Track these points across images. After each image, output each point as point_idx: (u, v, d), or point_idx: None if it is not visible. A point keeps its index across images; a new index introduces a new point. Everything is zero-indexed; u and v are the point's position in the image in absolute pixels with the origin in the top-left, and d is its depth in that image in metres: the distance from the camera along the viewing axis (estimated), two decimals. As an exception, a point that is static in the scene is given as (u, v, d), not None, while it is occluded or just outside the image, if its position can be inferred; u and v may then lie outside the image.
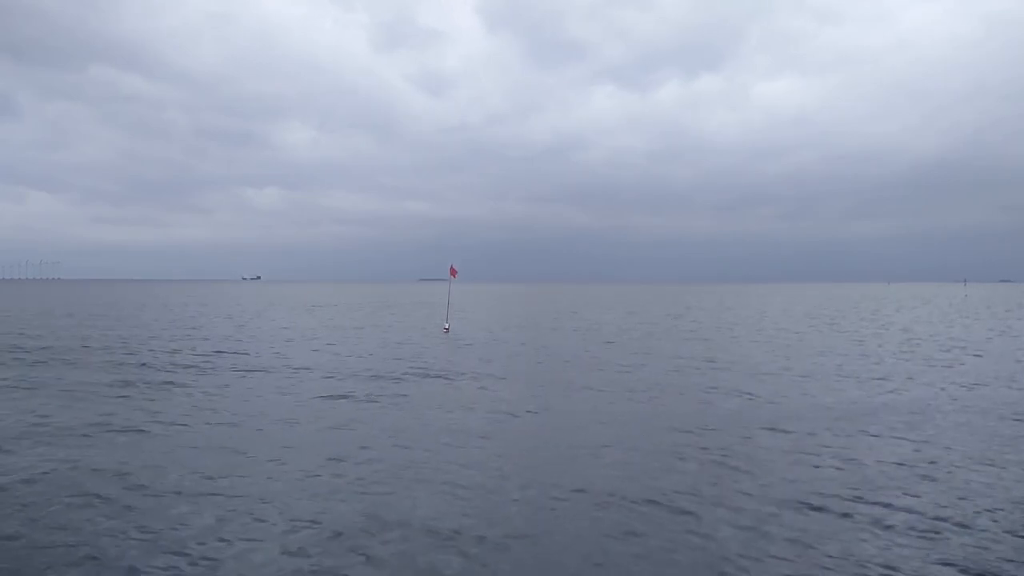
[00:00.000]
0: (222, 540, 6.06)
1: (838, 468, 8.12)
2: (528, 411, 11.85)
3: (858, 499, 7.02)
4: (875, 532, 6.20)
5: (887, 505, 6.87)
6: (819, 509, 6.76)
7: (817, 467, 8.16)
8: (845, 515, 6.61)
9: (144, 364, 17.39)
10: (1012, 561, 5.64)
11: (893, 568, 5.54)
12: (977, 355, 19.79)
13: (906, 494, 7.18)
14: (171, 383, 14.41)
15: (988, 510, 6.73)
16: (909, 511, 6.70)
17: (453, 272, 29.04)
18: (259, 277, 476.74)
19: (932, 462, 8.34)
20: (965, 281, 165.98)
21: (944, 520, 6.46)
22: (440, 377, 15.77)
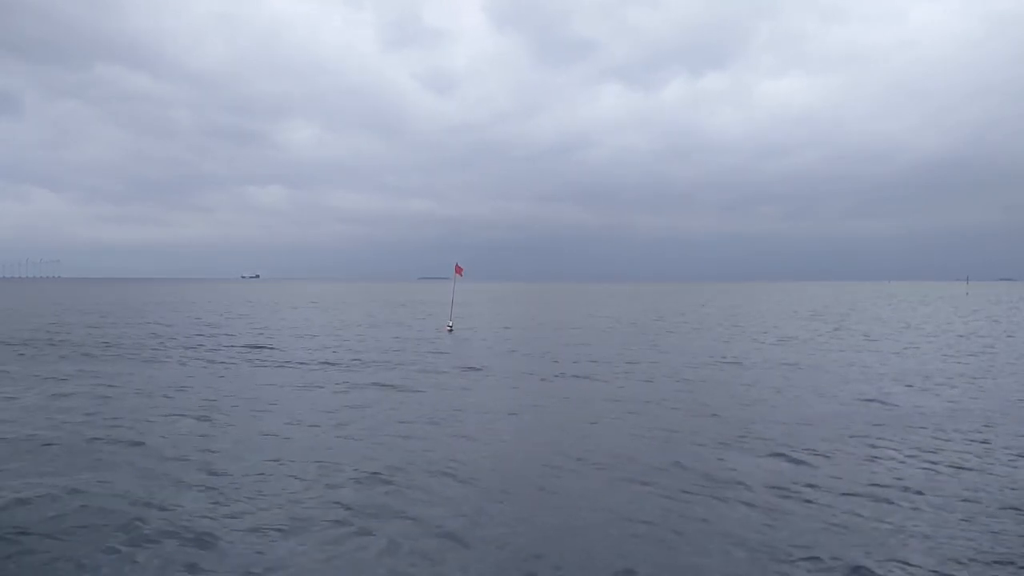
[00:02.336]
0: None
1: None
2: (526, 407, 11.32)
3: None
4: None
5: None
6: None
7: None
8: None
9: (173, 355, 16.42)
10: None
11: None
12: None
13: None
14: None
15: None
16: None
17: (458, 271, 28.05)
18: (258, 276, 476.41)
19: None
20: (967, 279, 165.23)
21: None
22: (444, 374, 15.28)
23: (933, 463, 7.99)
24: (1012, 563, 5.30)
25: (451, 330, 27.61)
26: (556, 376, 15.49)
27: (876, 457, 8.31)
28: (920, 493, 6.89)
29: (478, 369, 16.36)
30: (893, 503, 6.63)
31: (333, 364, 17.15)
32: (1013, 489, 7.02)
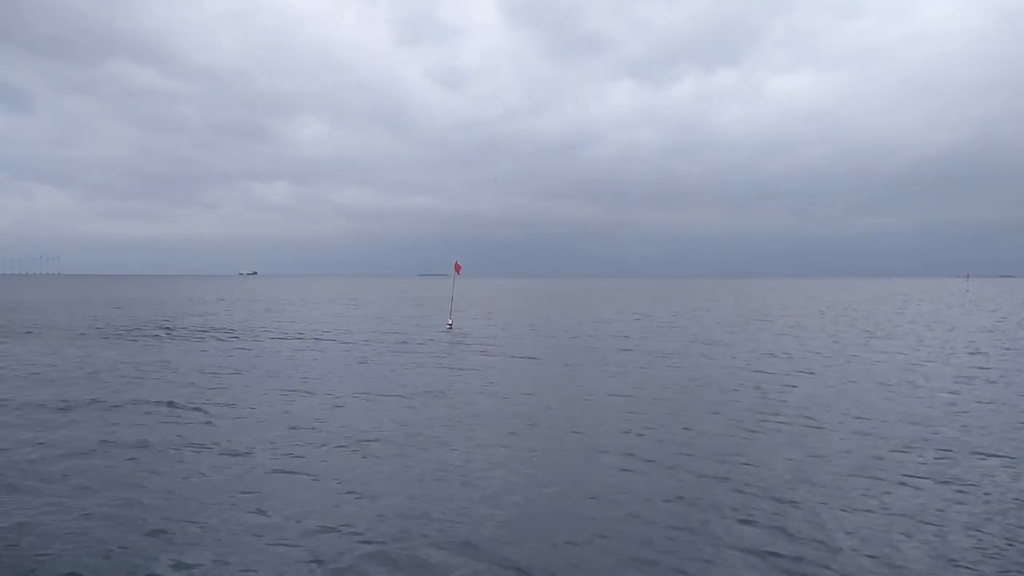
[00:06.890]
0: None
1: None
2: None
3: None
4: None
5: None
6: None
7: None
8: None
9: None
10: None
11: None
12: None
13: None
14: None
15: None
16: None
17: (457, 268, 27.74)
18: (255, 272, 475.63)
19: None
20: (968, 276, 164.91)
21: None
22: (445, 372, 15.35)
23: None
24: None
25: (451, 327, 27.30)
26: (545, 371, 15.12)
27: None
28: None
29: (474, 366, 16.06)
30: None
31: (343, 362, 16.83)
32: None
